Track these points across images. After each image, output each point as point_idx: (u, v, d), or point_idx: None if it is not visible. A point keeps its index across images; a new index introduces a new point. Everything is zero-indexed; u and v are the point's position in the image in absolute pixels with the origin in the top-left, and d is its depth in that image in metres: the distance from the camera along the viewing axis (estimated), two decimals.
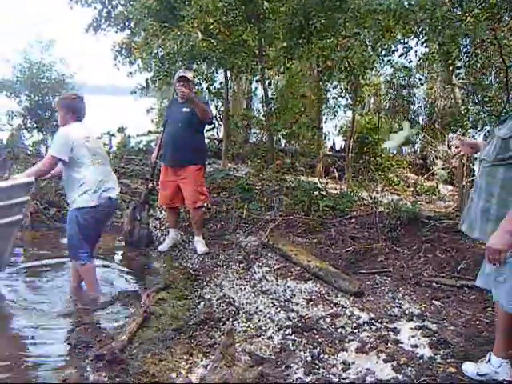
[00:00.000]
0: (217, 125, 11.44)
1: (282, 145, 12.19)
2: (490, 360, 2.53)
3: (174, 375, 2.57)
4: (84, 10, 9.11)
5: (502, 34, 5.77)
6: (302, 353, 2.84)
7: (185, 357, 2.76)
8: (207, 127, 5.89)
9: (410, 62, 7.19)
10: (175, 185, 4.79)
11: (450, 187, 9.73)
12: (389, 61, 7.82)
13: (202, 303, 3.59)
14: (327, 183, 7.24)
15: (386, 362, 2.71)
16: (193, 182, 4.71)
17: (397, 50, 6.66)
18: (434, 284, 3.84)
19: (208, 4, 6.58)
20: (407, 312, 3.37)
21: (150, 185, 5.25)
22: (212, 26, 6.93)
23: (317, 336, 3.04)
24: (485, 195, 2.47)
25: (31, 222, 5.39)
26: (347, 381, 2.57)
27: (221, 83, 9.54)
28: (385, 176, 9.42)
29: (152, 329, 3.10)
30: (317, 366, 2.70)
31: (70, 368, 2.64)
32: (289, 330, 3.11)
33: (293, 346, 2.93)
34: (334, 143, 12.43)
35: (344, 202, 6.02)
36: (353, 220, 5.51)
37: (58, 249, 4.73)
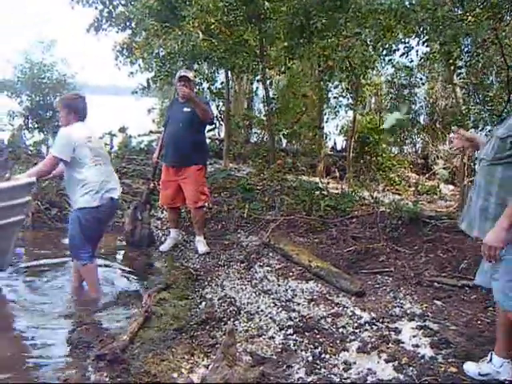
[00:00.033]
0: (218, 125, 11.42)
1: (284, 145, 12.22)
2: (491, 360, 2.53)
3: (175, 375, 2.57)
4: (85, 10, 9.14)
5: (504, 34, 5.78)
6: (303, 353, 2.84)
7: (186, 357, 2.76)
8: (208, 127, 5.88)
9: (411, 61, 7.17)
10: (176, 185, 4.78)
11: (451, 187, 9.74)
12: (390, 60, 7.83)
13: (204, 303, 3.58)
14: (328, 183, 7.23)
15: (387, 361, 2.71)
16: (194, 181, 4.71)
17: (398, 50, 6.67)
18: (435, 284, 3.84)
19: (209, 4, 6.59)
20: (408, 312, 3.36)
21: (152, 185, 5.26)
22: (213, 26, 6.94)
23: (318, 336, 3.04)
24: (483, 194, 2.47)
25: (32, 222, 5.38)
26: (348, 381, 2.57)
27: (222, 83, 9.53)
28: (386, 176, 9.43)
29: (153, 329, 3.10)
30: (318, 366, 2.69)
31: (71, 368, 2.65)
32: (290, 330, 3.11)
33: (294, 345, 2.93)
34: (335, 143, 12.45)
35: (345, 201, 6.02)
36: (354, 220, 5.51)
37: (59, 249, 4.74)
